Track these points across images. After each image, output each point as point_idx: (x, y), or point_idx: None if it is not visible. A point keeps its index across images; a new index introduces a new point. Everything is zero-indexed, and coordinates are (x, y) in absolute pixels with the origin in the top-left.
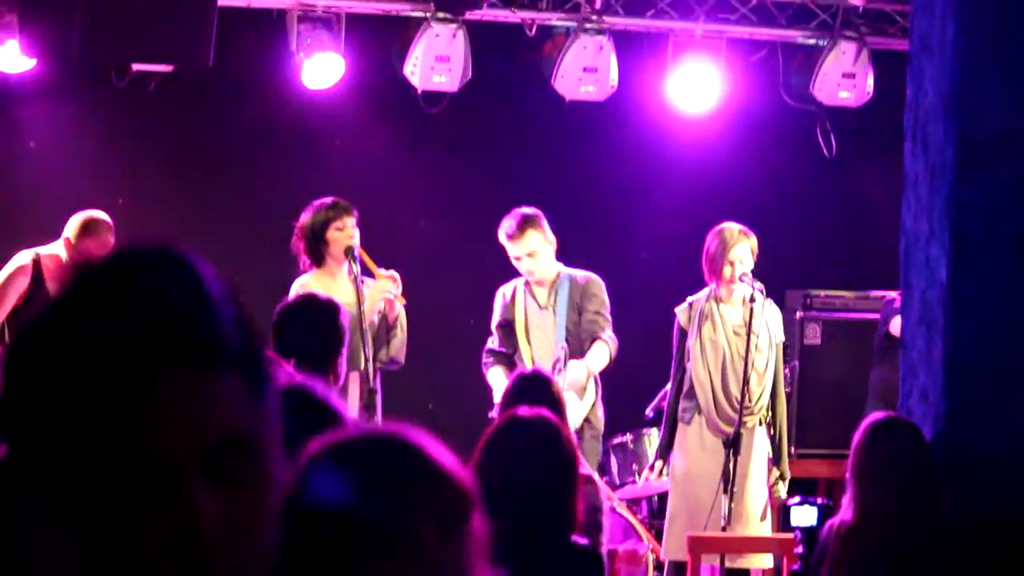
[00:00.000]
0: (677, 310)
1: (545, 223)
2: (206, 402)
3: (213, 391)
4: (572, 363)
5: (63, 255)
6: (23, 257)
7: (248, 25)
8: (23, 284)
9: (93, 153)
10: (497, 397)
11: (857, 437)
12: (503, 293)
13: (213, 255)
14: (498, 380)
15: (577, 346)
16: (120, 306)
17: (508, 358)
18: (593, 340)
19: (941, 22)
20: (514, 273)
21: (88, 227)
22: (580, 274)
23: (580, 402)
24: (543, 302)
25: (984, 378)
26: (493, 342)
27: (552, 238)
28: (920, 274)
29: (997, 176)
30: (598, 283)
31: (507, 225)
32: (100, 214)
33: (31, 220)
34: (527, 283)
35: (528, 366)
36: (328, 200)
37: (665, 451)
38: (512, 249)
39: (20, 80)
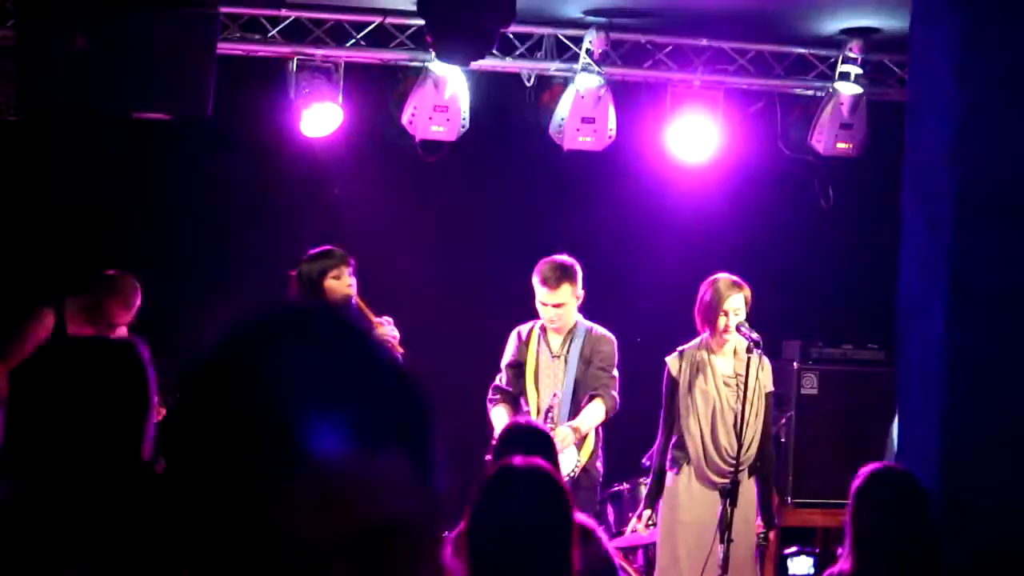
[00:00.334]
0: (667, 359)
1: (580, 277)
2: (359, 484)
3: (368, 471)
4: (559, 431)
5: (87, 313)
6: (45, 309)
7: (247, 74)
8: (41, 337)
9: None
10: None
11: (855, 486)
12: (519, 333)
13: (207, 303)
14: (500, 419)
15: (581, 398)
16: (274, 377)
17: (514, 398)
18: (589, 396)
19: (940, 74)
20: (516, 316)
21: (114, 288)
22: (597, 329)
23: (575, 451)
24: (556, 350)
25: (981, 430)
26: (501, 380)
27: (581, 292)
28: (917, 325)
29: (995, 228)
30: (610, 340)
31: (546, 272)
32: (129, 278)
33: None
34: (543, 328)
35: (533, 411)
36: (324, 249)
37: (653, 500)
38: (543, 296)
39: None
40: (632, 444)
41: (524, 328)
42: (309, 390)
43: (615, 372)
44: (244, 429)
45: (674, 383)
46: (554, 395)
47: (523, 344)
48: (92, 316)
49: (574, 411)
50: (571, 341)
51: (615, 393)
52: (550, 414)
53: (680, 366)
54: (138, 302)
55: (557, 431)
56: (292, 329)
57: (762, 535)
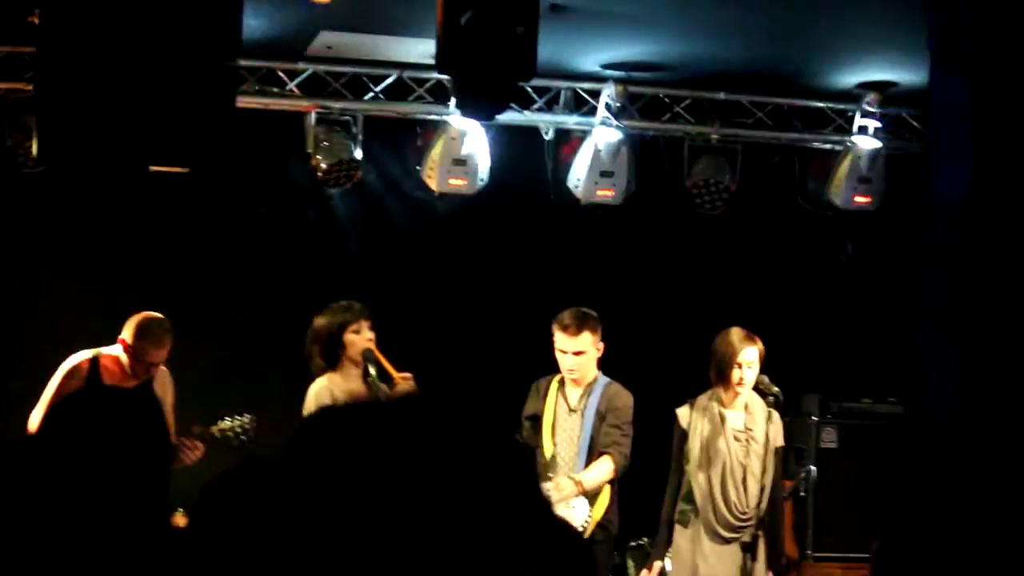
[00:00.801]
0: (677, 410)
1: (600, 327)
2: None
3: None
4: (561, 481)
5: (122, 357)
6: (79, 357)
7: (265, 127)
8: (74, 387)
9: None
10: None
11: (876, 546)
12: (537, 386)
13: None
14: None
15: (595, 454)
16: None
17: (531, 452)
18: (601, 454)
19: (958, 127)
20: (535, 370)
21: (145, 329)
22: (615, 384)
23: (587, 505)
24: (573, 404)
25: (1003, 482)
26: (520, 433)
27: (601, 344)
28: (936, 378)
29: (1015, 281)
30: (627, 398)
31: (566, 318)
32: (158, 315)
33: None
34: (562, 381)
35: (549, 466)
36: (344, 303)
37: (662, 551)
38: (564, 343)
39: None
40: (653, 498)
41: (543, 381)
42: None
43: (629, 429)
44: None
45: (683, 434)
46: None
47: (542, 397)
48: (128, 361)
49: (587, 467)
50: (589, 395)
51: (626, 451)
52: (552, 464)
53: (690, 417)
54: (170, 340)
55: (560, 481)
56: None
57: None
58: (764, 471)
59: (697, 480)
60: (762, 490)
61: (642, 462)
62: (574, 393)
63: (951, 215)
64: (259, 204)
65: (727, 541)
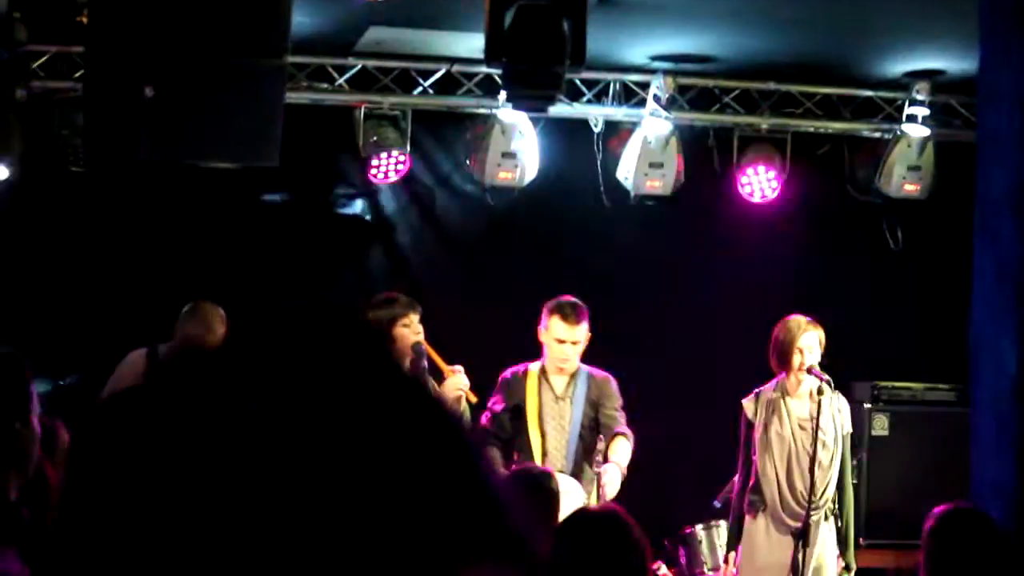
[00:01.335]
0: (744, 402)
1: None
2: None
3: None
4: (609, 469)
5: (173, 347)
6: (137, 353)
7: (315, 123)
8: (131, 382)
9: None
10: None
11: (927, 527)
12: (513, 375)
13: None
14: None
15: (589, 439)
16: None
17: (505, 443)
18: (613, 436)
19: (1008, 115)
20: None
21: (192, 312)
22: (597, 371)
23: (581, 489)
24: (560, 392)
25: None
26: (492, 428)
27: (588, 334)
28: (989, 366)
29: None
30: (614, 383)
31: (566, 308)
32: (209, 303)
33: None
34: (542, 370)
35: (538, 455)
36: (392, 296)
37: (734, 543)
38: (564, 332)
39: None
40: (703, 487)
41: (516, 371)
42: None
43: (623, 410)
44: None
45: (750, 425)
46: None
47: (521, 388)
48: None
49: (580, 452)
50: (575, 383)
51: (629, 432)
52: (544, 460)
53: (755, 409)
54: (219, 326)
55: (609, 469)
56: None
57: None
58: (832, 458)
59: (764, 471)
60: (828, 479)
61: (697, 452)
62: (559, 381)
63: (1002, 205)
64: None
65: (795, 530)
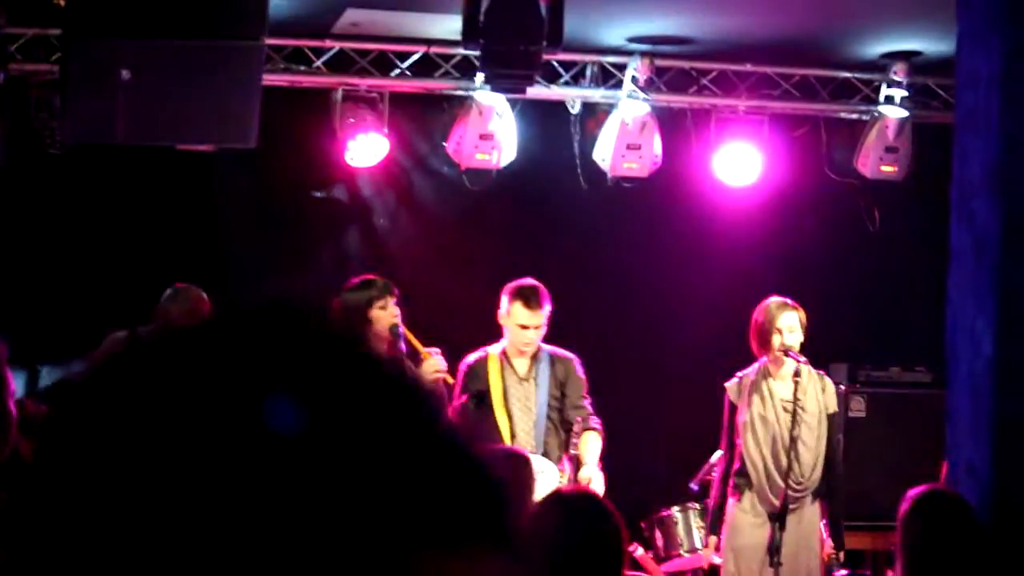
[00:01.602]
0: (727, 385)
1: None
2: None
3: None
4: (589, 473)
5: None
6: (118, 336)
7: (292, 105)
8: None
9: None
10: None
11: (903, 509)
12: (474, 362)
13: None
14: None
15: (556, 419)
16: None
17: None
18: (583, 430)
19: (986, 97)
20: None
21: (175, 296)
22: (559, 351)
23: (556, 472)
24: (523, 373)
25: None
26: (464, 418)
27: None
28: (966, 347)
29: None
30: (579, 364)
31: (528, 293)
32: (192, 287)
33: None
34: (503, 353)
35: (507, 437)
36: (368, 278)
37: (716, 526)
38: (526, 318)
39: None
40: (679, 469)
41: (476, 357)
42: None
43: (587, 397)
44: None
45: (733, 408)
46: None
47: (482, 372)
48: None
49: (547, 433)
50: (538, 363)
51: (599, 421)
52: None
53: (739, 391)
54: (203, 309)
55: (587, 474)
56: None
57: (833, 556)
58: (817, 439)
59: (749, 452)
60: (815, 459)
61: (673, 435)
62: (521, 363)
63: (979, 185)
64: (315, 188)
65: (782, 507)
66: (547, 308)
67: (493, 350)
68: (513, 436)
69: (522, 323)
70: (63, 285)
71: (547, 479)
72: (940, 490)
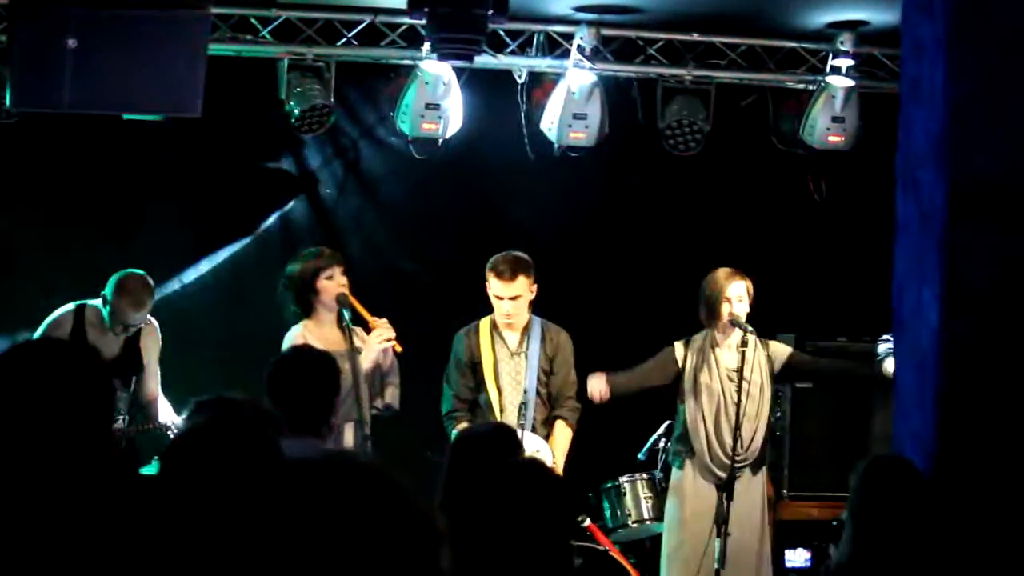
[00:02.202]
0: (675, 344)
1: (534, 271)
2: None
3: None
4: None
5: (103, 311)
6: (64, 309)
7: (238, 74)
8: (62, 335)
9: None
10: None
11: (856, 477)
12: (467, 333)
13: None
14: None
15: (545, 395)
16: None
17: (473, 405)
18: (557, 418)
19: (931, 66)
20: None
21: (125, 289)
22: (552, 325)
23: (550, 452)
24: (513, 347)
25: (976, 420)
26: (454, 390)
27: (535, 287)
28: (911, 318)
29: (987, 220)
30: (569, 340)
31: (500, 264)
32: (138, 273)
33: None
34: (494, 325)
35: (496, 411)
36: (316, 249)
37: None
38: (500, 289)
39: None
40: (626, 439)
41: (469, 329)
42: None
43: (576, 383)
44: None
45: (677, 371)
46: (525, 391)
47: (475, 344)
48: (108, 317)
49: (535, 408)
50: (529, 338)
51: (578, 404)
52: (523, 411)
53: (685, 353)
54: (150, 301)
55: (541, 446)
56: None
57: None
58: (758, 409)
59: (694, 421)
60: (755, 429)
61: (620, 409)
62: (512, 337)
63: (925, 154)
64: (261, 158)
65: (722, 480)
66: (522, 279)
67: (484, 321)
68: (501, 410)
69: (497, 294)
70: (12, 258)
71: (542, 458)
72: (892, 457)
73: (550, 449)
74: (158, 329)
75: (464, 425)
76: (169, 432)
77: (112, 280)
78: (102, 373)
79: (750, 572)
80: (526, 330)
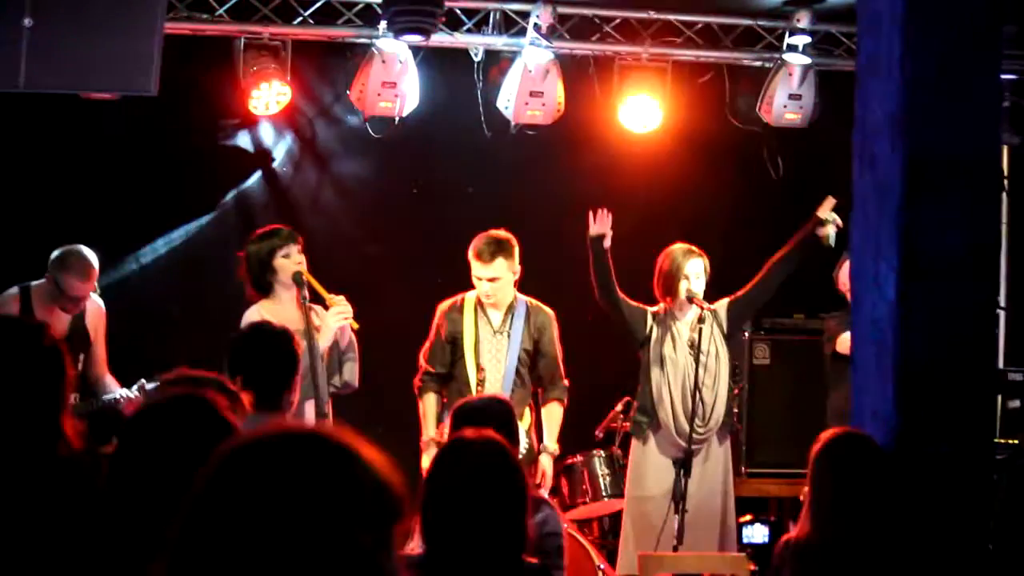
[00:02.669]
0: (649, 309)
1: (516, 251)
2: None
3: None
4: (544, 463)
5: (47, 288)
6: (11, 291)
7: (194, 53)
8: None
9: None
10: (428, 424)
11: (814, 452)
12: (450, 307)
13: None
14: (431, 407)
15: (524, 373)
16: None
17: (445, 379)
18: (548, 400)
19: (888, 42)
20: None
21: (68, 262)
22: (537, 304)
23: (522, 429)
24: (497, 326)
25: (933, 395)
26: (429, 362)
27: (518, 268)
28: (868, 292)
29: (944, 194)
30: (553, 319)
31: (480, 245)
32: (79, 247)
33: None
34: (479, 302)
35: (473, 387)
36: (272, 228)
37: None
38: (479, 270)
39: None
40: (585, 419)
41: (454, 303)
42: None
43: (561, 360)
44: None
45: (642, 339)
46: (480, 369)
47: (458, 319)
48: (54, 295)
49: (513, 386)
50: (512, 317)
51: (566, 383)
52: (479, 390)
53: (650, 322)
54: (95, 273)
55: (544, 462)
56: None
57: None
58: (715, 380)
59: (659, 393)
60: (716, 399)
61: (578, 385)
62: (496, 315)
63: (882, 130)
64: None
65: (683, 453)
66: (501, 261)
67: (470, 296)
68: (479, 386)
69: (477, 275)
70: None
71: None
72: (852, 432)
73: (523, 430)
74: (103, 308)
75: (431, 396)
76: (119, 404)
77: (55, 255)
78: (55, 347)
79: (713, 543)
80: (510, 309)
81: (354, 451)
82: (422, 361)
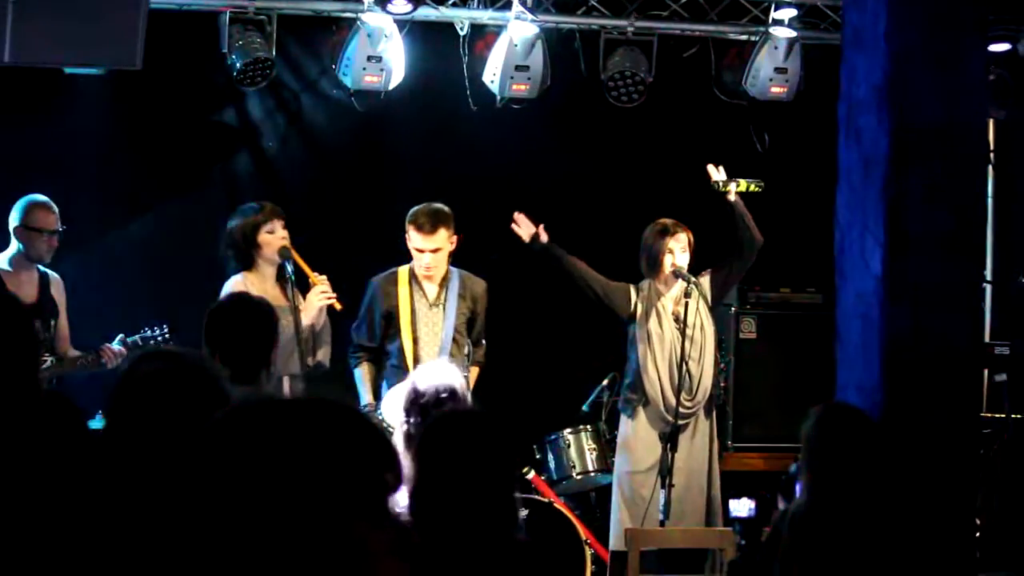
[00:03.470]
0: (630, 286)
1: (453, 222)
2: None
3: None
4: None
5: (17, 248)
6: None
7: (179, 27)
8: None
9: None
10: (365, 391)
11: (809, 424)
12: (384, 283)
13: (144, 256)
14: (366, 379)
15: (461, 343)
16: None
17: (378, 353)
18: (471, 364)
19: (873, 15)
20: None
21: (23, 204)
22: (470, 276)
23: None
24: (432, 299)
25: (919, 369)
26: (360, 337)
27: (455, 239)
28: (854, 266)
29: (930, 167)
30: (486, 290)
31: (420, 216)
32: (38, 197)
33: None
34: (412, 274)
35: (410, 361)
36: (257, 204)
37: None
38: (420, 242)
39: None
40: (569, 392)
41: (386, 277)
42: None
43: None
44: None
45: (632, 310)
46: (416, 341)
47: (392, 291)
48: (24, 244)
49: (454, 355)
50: (447, 289)
51: (484, 343)
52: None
53: (636, 300)
54: (54, 206)
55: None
56: None
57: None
58: (701, 353)
59: (646, 368)
60: (702, 373)
61: (564, 361)
62: (431, 288)
63: (867, 102)
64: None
65: (672, 428)
66: (442, 232)
67: (403, 270)
68: (416, 359)
69: (417, 247)
70: None
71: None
72: (844, 404)
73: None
74: (61, 282)
75: (366, 365)
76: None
77: (15, 207)
78: (25, 313)
79: (699, 516)
80: (444, 281)
81: (358, 414)
82: (353, 336)
